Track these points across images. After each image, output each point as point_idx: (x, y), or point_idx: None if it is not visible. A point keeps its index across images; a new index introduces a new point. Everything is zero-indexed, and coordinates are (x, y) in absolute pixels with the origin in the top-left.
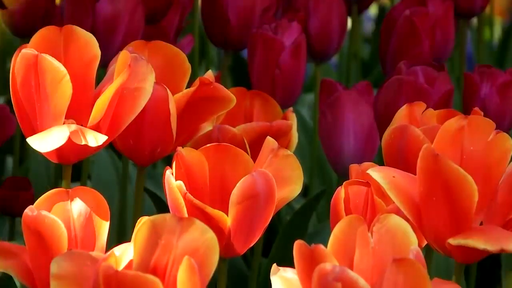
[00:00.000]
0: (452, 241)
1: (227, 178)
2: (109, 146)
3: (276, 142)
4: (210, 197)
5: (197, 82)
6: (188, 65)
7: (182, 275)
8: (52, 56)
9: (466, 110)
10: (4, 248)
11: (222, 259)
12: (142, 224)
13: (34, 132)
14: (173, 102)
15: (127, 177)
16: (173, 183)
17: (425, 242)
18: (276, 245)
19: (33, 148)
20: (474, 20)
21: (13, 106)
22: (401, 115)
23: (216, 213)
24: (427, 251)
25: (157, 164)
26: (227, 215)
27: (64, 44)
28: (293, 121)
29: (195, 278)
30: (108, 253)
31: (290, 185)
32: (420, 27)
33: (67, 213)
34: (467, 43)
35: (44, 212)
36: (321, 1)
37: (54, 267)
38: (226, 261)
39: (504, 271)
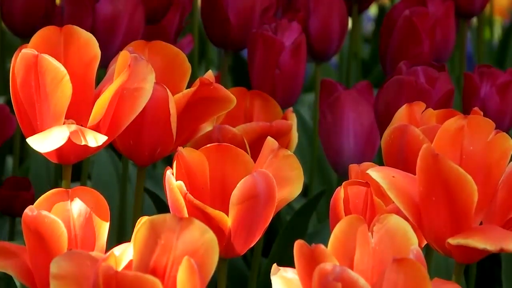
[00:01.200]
0: (452, 241)
1: (228, 178)
2: (109, 146)
3: (276, 142)
4: (210, 197)
5: (197, 83)
6: (188, 65)
7: (181, 276)
8: (52, 56)
9: (466, 110)
10: (4, 248)
11: (222, 259)
12: (142, 224)
13: (34, 132)
14: (173, 102)
15: (127, 177)
16: (173, 183)
17: (425, 242)
18: (276, 245)
19: (33, 148)
20: (474, 20)
21: (13, 106)
22: (401, 115)
23: (217, 213)
24: (427, 251)
25: (157, 164)
26: (228, 216)
27: (64, 44)
28: (293, 121)
29: (195, 278)
30: (108, 253)
31: (290, 185)
32: (420, 27)
33: (67, 213)
34: (467, 43)
35: (44, 212)
36: (321, 1)
37: (54, 267)
38: (226, 261)
39: (504, 271)
